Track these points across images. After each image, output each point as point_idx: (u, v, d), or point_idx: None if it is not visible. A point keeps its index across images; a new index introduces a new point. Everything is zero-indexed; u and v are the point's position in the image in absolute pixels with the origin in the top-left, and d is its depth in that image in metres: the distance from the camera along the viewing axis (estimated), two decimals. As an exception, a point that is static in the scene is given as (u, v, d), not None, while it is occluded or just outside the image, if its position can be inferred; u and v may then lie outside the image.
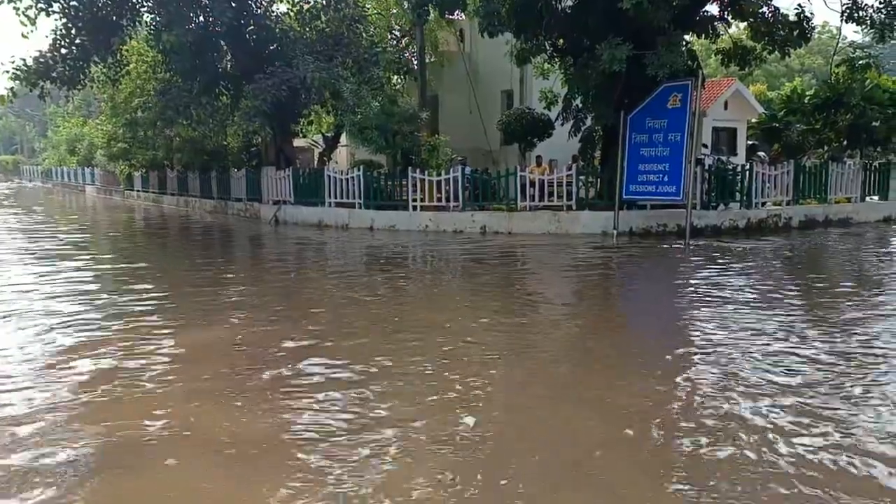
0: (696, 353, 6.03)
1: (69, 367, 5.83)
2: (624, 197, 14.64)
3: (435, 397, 5.00)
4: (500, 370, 5.68)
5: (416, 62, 23.31)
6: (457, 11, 17.74)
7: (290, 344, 6.45)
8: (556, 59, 18.03)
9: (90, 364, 5.93)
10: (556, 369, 5.78)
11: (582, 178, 16.26)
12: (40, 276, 10.78)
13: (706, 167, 16.50)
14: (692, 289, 9.30)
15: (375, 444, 4.17)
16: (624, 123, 14.33)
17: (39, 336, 6.87)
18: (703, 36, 16.54)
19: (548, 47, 16.96)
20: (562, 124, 18.74)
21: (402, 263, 12.57)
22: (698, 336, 6.66)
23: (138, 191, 34.04)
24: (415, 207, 17.05)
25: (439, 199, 16.97)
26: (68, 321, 7.51)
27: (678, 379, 5.33)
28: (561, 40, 16.71)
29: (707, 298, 8.43)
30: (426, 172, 17.31)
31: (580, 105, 17.88)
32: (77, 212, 29.21)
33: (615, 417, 4.59)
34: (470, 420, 4.52)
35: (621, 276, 10.98)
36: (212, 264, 12.90)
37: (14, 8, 18.42)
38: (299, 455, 4.05)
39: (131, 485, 3.77)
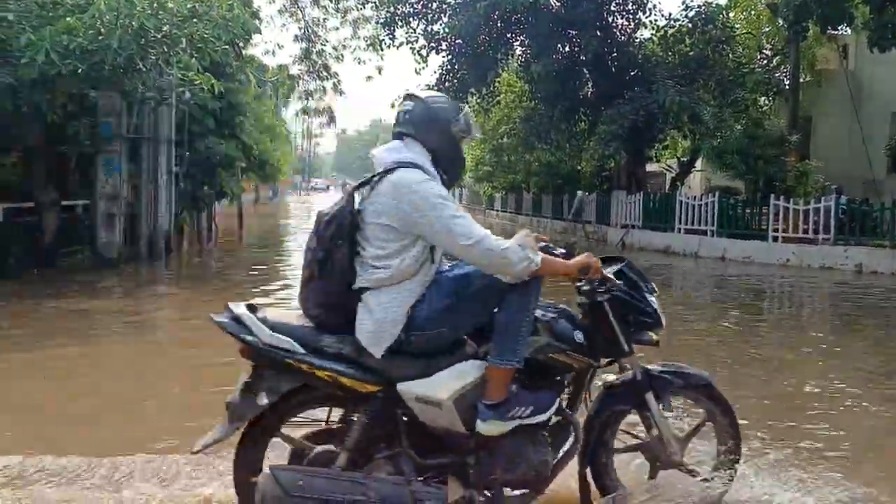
0: None
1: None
2: None
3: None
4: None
5: (787, 82, 21.52)
6: (841, 26, 16.00)
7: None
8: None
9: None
10: None
11: None
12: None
13: None
14: None
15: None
16: None
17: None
18: None
19: (960, 59, 14.37)
20: (974, 149, 15.67)
21: (773, 301, 11.63)
22: None
23: (497, 210, 37.02)
24: (775, 238, 15.71)
25: (805, 231, 15.38)
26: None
27: None
28: (980, 49, 14.03)
29: None
30: (791, 200, 15.85)
31: None
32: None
33: None
34: None
35: None
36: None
37: (411, 48, 21.59)
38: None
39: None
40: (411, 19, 20.89)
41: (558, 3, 19.76)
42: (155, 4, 9.81)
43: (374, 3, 21.58)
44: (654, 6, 20.74)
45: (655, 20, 21.06)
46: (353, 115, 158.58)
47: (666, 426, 2.95)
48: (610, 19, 20.49)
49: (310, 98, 25.88)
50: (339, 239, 2.55)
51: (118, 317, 8.62)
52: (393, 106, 22.73)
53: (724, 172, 19.03)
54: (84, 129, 12.39)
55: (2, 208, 11.17)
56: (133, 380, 5.94)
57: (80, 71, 9.56)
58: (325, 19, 24.17)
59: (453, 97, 20.50)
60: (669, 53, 20.22)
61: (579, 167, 26.24)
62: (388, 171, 2.58)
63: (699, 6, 19.95)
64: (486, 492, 2.67)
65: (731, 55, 19.86)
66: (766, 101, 22.67)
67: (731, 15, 22.55)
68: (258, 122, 21.73)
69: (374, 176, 2.60)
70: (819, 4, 13.80)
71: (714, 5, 20.36)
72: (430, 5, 20.51)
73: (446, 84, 21.57)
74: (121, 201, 13.04)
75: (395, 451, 2.63)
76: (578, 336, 2.75)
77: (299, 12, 23.60)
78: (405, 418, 2.63)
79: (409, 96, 2.74)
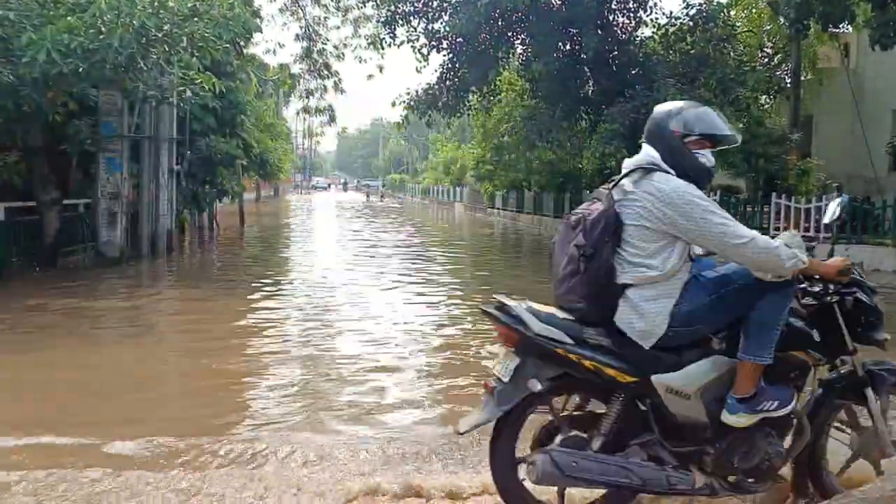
0: None
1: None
2: None
3: None
4: None
5: (789, 80, 21.50)
6: (843, 24, 15.96)
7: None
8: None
9: (459, 361, 6.67)
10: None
11: None
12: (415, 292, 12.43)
13: None
14: None
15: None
16: None
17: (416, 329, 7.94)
18: None
19: (962, 57, 14.33)
20: (976, 148, 15.64)
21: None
22: None
23: (498, 208, 36.94)
24: (776, 237, 15.68)
25: (806, 230, 15.36)
26: (435, 323, 8.54)
27: None
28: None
29: None
30: (793, 199, 15.84)
31: None
32: (449, 226, 32.84)
33: None
34: None
35: None
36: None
37: (412, 47, 21.58)
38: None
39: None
40: (412, 18, 20.86)
41: (559, 2, 19.74)
42: (156, 3, 9.81)
43: (375, 1, 21.57)
44: (655, 4, 20.69)
45: (656, 18, 21.04)
46: (353, 113, 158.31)
47: (882, 421, 3.07)
48: (611, 18, 20.46)
49: (311, 97, 25.94)
50: (605, 237, 2.71)
51: (120, 316, 8.64)
52: (394, 105, 22.74)
53: (726, 171, 18.99)
54: (85, 128, 12.40)
55: (3, 207, 11.19)
56: (135, 378, 5.96)
57: (81, 70, 9.56)
58: (325, 18, 24.24)
59: (454, 96, 20.33)
60: (670, 52, 20.19)
61: (580, 166, 26.18)
62: (644, 174, 2.77)
63: (700, 4, 19.93)
64: (722, 480, 2.86)
65: (732, 53, 19.82)
66: (768, 100, 22.65)
67: (733, 13, 22.52)
68: (259, 120, 21.75)
69: (622, 176, 2.82)
70: (820, 2, 13.77)
71: (715, 3, 20.35)
72: (430, 4, 20.48)
73: (447, 83, 21.54)
74: (122, 200, 13.05)
75: (647, 439, 2.83)
76: (815, 334, 2.92)
77: (300, 11, 23.64)
78: (651, 408, 2.83)
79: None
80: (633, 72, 20.13)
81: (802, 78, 21.38)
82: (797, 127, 19.81)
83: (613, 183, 2.83)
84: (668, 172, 2.77)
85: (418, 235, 24.14)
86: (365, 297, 10.00)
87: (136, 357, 6.70)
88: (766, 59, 23.23)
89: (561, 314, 2.82)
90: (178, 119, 15.04)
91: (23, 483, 3.53)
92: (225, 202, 23.70)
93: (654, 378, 2.74)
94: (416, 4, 20.50)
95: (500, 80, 23.21)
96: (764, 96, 21.99)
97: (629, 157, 2.95)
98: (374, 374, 5.97)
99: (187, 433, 4.35)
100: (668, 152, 2.82)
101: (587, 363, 2.72)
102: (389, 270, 13.32)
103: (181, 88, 12.41)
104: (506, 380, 2.75)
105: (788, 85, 21.42)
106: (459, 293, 10.95)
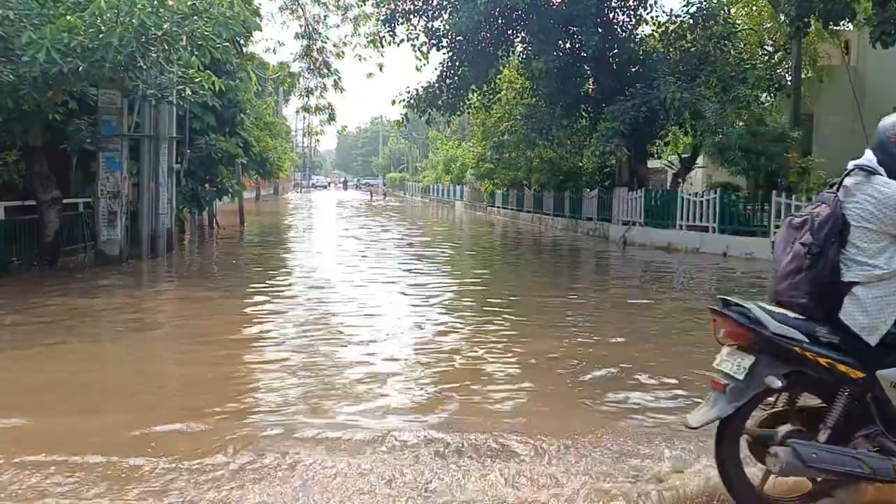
0: None
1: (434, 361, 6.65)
2: None
3: None
4: None
5: (789, 78, 21.46)
6: (843, 21, 15.93)
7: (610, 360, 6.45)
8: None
9: (455, 358, 6.66)
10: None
11: None
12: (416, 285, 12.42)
13: None
14: None
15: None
16: None
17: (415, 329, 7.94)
18: None
19: (963, 54, 14.29)
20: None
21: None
22: None
23: (499, 207, 36.94)
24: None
25: (807, 228, 15.34)
26: (436, 320, 8.54)
27: None
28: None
29: None
30: (793, 197, 15.81)
31: None
32: (450, 225, 32.83)
33: None
34: None
35: None
36: (558, 280, 13.47)
37: (412, 45, 21.56)
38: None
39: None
40: (412, 16, 20.83)
41: (559, 0, 19.71)
42: (155, 2, 9.79)
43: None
44: (656, 2, 20.64)
45: (656, 16, 21.02)
46: (353, 112, 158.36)
47: None
48: (611, 16, 20.43)
49: (310, 95, 25.89)
50: (832, 238, 2.92)
51: (120, 314, 8.63)
52: (394, 103, 22.70)
53: (726, 169, 18.99)
54: (85, 128, 12.38)
55: (3, 206, 11.17)
56: (135, 376, 5.95)
57: (80, 69, 9.55)
58: (325, 16, 24.20)
59: (454, 94, 20.28)
60: (671, 50, 20.16)
61: (581, 164, 26.18)
62: (865, 176, 2.95)
63: (700, 2, 19.88)
64: None
65: (732, 51, 19.78)
66: (768, 98, 22.60)
67: (733, 11, 22.46)
68: (259, 119, 21.73)
69: (844, 175, 3.02)
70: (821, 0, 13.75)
71: (715, 1, 20.28)
72: (430, 2, 20.45)
73: (447, 81, 21.50)
74: (122, 199, 13.03)
75: (872, 431, 3.01)
76: None
77: (300, 9, 23.60)
78: (874, 402, 2.98)
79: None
80: (634, 70, 20.11)
81: (803, 76, 21.33)
82: (798, 125, 19.78)
83: (837, 185, 3.01)
84: (881, 174, 2.94)
85: (419, 234, 24.14)
86: (365, 296, 9.99)
87: (136, 355, 6.69)
88: (767, 57, 23.17)
89: (791, 314, 2.97)
90: (177, 118, 15.02)
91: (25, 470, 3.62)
92: (225, 201, 23.67)
93: (879, 373, 2.91)
94: (415, 2, 20.48)
95: (500, 79, 23.16)
96: (764, 94, 21.94)
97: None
98: (372, 372, 5.96)
99: (187, 428, 4.38)
100: (884, 156, 2.99)
101: (822, 360, 2.89)
102: (389, 269, 13.32)
103: (181, 87, 12.38)
104: (740, 377, 2.91)
105: (789, 83, 21.36)
106: (459, 292, 10.94)
